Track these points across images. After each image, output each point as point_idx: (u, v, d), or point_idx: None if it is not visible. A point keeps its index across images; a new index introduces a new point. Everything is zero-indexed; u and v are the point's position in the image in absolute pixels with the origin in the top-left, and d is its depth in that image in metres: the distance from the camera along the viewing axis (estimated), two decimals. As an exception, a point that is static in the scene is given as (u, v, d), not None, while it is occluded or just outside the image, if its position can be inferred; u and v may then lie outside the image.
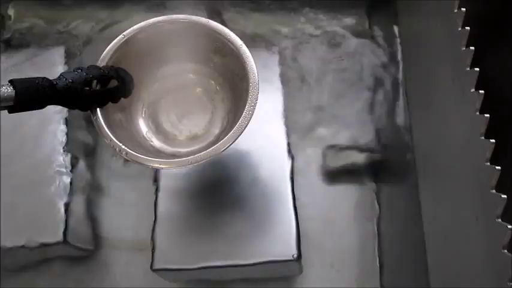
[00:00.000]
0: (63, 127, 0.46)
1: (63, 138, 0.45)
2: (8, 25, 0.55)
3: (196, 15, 0.37)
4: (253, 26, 0.53)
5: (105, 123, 0.33)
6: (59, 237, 0.42)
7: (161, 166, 0.33)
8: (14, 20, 0.55)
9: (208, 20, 0.36)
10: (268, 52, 0.48)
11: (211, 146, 0.32)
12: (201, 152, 0.32)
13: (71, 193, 0.44)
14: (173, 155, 0.37)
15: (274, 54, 0.48)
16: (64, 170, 0.45)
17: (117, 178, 0.48)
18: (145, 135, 0.38)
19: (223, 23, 0.40)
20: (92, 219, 0.47)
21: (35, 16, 0.55)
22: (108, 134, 0.33)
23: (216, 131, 0.38)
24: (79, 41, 0.54)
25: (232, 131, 0.32)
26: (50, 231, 0.42)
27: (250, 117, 0.33)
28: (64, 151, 0.45)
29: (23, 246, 0.42)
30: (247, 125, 0.33)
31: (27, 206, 0.43)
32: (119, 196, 0.48)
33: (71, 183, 0.44)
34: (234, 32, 0.36)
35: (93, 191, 0.47)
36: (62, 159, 0.45)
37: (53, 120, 0.46)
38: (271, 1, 0.54)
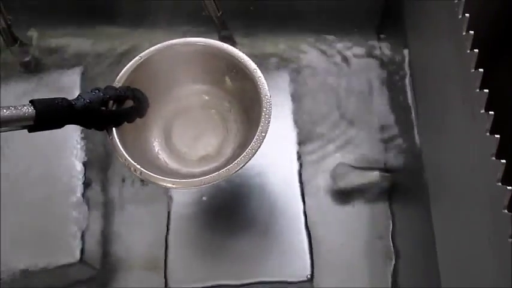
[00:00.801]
0: (78, 146, 0.47)
1: (79, 158, 0.46)
2: (27, 48, 0.56)
3: (209, 35, 0.38)
4: (264, 48, 0.54)
5: (120, 143, 0.34)
6: (76, 257, 0.42)
7: (174, 186, 0.33)
8: (33, 43, 0.56)
9: (222, 43, 0.37)
10: (280, 74, 0.49)
11: (224, 167, 0.33)
12: (213, 172, 0.33)
13: (85, 213, 0.44)
14: (186, 175, 0.37)
15: (285, 76, 0.49)
16: (79, 189, 0.45)
17: (131, 198, 0.48)
18: (159, 155, 0.38)
19: (234, 44, 0.41)
20: (106, 239, 0.47)
21: (53, 39, 0.57)
22: (123, 154, 0.34)
23: (228, 151, 0.38)
24: (97, 63, 0.55)
25: (244, 153, 0.33)
26: (66, 251, 0.42)
27: (263, 140, 0.33)
28: (79, 170, 0.46)
29: (38, 268, 0.42)
30: (259, 148, 0.33)
31: (41, 226, 0.44)
32: (133, 216, 0.48)
33: (85, 203, 0.45)
34: (246, 54, 0.37)
35: (107, 211, 0.48)
36: (77, 179, 0.45)
37: (68, 139, 0.47)
38: (282, 24, 0.55)
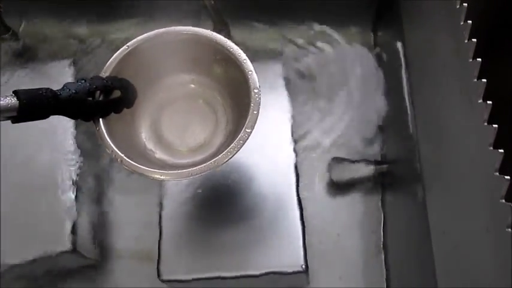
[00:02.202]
0: (70, 137, 0.46)
1: (71, 149, 0.46)
2: (18, 38, 0.56)
3: (204, 26, 0.37)
4: (259, 38, 0.54)
5: (108, 134, 0.33)
6: (68, 246, 0.42)
7: (162, 177, 0.32)
8: (23, 33, 0.56)
9: (211, 32, 0.36)
10: (275, 65, 0.48)
11: (213, 157, 0.32)
12: (202, 163, 0.32)
13: (78, 203, 0.44)
14: (175, 166, 0.37)
15: (280, 68, 0.48)
16: (71, 180, 0.45)
17: (124, 188, 0.48)
18: (147, 146, 0.38)
19: (228, 35, 0.40)
20: (99, 229, 0.47)
21: (44, 30, 0.56)
22: (110, 145, 0.33)
23: (218, 142, 0.38)
24: (87, 54, 0.54)
25: (232, 144, 0.32)
26: (58, 241, 0.42)
27: (252, 131, 0.33)
28: (71, 161, 0.45)
29: (31, 257, 0.42)
30: (248, 139, 0.33)
31: (33, 216, 0.43)
32: (126, 206, 0.48)
33: (77, 192, 0.44)
34: (240, 45, 0.36)
35: (100, 201, 0.47)
36: (69, 169, 0.45)
37: (60, 131, 0.46)
38: (277, 15, 0.55)
